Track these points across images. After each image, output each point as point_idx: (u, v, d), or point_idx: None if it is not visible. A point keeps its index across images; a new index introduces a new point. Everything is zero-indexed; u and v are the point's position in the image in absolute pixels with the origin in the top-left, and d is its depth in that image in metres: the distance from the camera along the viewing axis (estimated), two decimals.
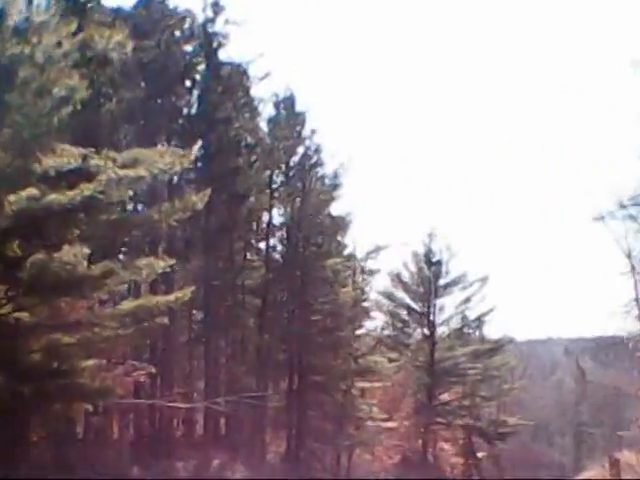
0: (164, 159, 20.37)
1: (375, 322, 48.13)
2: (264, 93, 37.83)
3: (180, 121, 33.74)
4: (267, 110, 38.55)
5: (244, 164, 34.28)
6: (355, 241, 42.19)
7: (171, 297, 22.40)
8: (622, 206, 37.62)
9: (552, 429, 70.32)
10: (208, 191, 22.54)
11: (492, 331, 53.76)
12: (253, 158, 35.90)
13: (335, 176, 40.83)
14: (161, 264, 21.13)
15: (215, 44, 34.33)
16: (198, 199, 22.18)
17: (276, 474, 34.70)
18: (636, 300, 41.11)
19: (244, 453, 33.55)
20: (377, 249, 42.20)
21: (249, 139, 35.85)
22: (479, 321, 53.17)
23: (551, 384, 74.11)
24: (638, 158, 37.15)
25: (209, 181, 28.11)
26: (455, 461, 50.82)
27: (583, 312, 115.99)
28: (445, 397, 51.16)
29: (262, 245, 38.95)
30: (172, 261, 22.29)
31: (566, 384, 79.00)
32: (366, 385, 41.63)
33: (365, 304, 43.32)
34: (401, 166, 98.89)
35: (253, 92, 36.78)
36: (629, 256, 40.15)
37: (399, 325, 51.34)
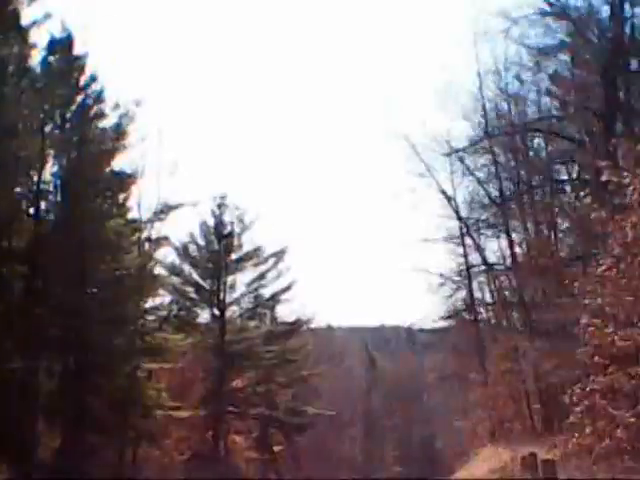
0: None
1: (163, 296, 43.85)
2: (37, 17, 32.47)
3: None
4: (40, 42, 33.62)
5: (10, 94, 29.23)
6: (142, 202, 37.93)
7: None
8: (451, 152, 35.97)
9: (343, 419, 68.69)
10: None
11: (289, 311, 50.78)
12: (20, 92, 30.89)
13: (118, 126, 36.49)
14: None
15: None
16: None
17: (48, 474, 30.02)
18: (466, 268, 39.44)
19: (11, 449, 28.54)
20: (166, 209, 37.90)
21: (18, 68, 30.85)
22: (274, 300, 50.27)
23: (341, 372, 72.58)
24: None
25: None
26: (249, 455, 47.59)
27: (368, 300, 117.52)
28: (238, 383, 47.82)
29: (31, 202, 33.80)
30: None
31: (356, 372, 78.34)
32: (154, 367, 37.47)
33: (154, 273, 38.97)
34: (198, 125, 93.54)
35: (24, 17, 31.77)
36: (457, 212, 38.37)
37: (187, 304, 47.29)
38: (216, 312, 47.52)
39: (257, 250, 48.37)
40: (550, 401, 29.47)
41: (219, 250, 47.61)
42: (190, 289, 47.56)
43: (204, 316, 48.13)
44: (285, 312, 51.03)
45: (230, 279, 47.91)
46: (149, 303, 39.44)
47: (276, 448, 50.07)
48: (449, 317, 39.28)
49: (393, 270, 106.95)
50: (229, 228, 47.88)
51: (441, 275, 36.89)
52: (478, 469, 26.98)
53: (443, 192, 35.87)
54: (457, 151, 34.59)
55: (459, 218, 36.50)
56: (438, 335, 78.85)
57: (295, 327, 50.30)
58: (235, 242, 47.98)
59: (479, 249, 36.08)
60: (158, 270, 41.16)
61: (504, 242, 35.09)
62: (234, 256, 47.99)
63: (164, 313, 41.93)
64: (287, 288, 49.32)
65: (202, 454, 42.74)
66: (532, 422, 32.25)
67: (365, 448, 72.88)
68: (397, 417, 76.90)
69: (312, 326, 54.56)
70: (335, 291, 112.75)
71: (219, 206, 47.76)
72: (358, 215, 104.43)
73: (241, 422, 47.72)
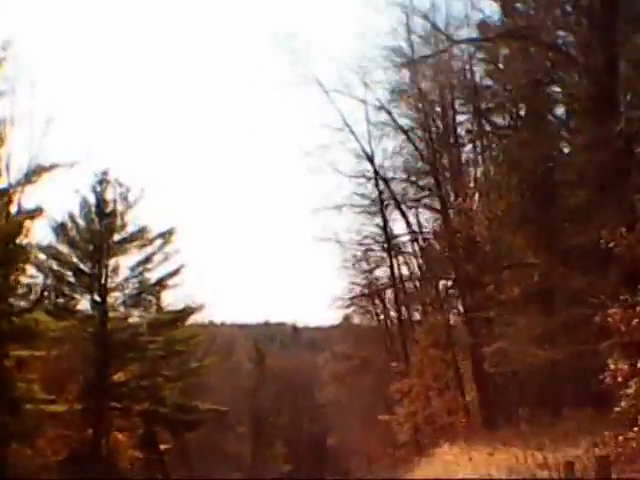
0: None
1: (36, 278, 38.00)
2: None
3: None
4: None
5: None
6: (11, 165, 32.04)
7: None
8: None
9: (232, 416, 63.47)
10: None
11: (177, 299, 45.37)
12: None
13: None
14: None
15: None
16: None
17: None
18: (386, 238, 34.59)
19: None
20: (38, 170, 31.90)
21: None
22: (161, 286, 44.69)
23: (229, 368, 67.31)
24: None
25: None
26: (134, 455, 41.92)
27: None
28: (121, 376, 42.04)
29: None
30: None
31: (244, 368, 73.47)
32: (24, 354, 31.67)
33: (25, 246, 32.95)
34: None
35: None
36: (376, 172, 33.16)
37: (65, 288, 41.38)
38: (97, 298, 41.72)
39: (142, 231, 42.86)
40: (490, 390, 25.29)
41: (100, 230, 41.86)
42: (68, 272, 41.65)
43: (84, 303, 42.32)
44: (172, 299, 45.63)
45: (112, 262, 42.17)
46: (20, 282, 33.46)
47: (163, 447, 44.80)
48: (364, 295, 34.65)
49: (284, 261, 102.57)
50: (111, 206, 42.21)
51: (360, 244, 32.04)
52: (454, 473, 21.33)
53: (362, 150, 30.97)
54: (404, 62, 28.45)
55: (380, 178, 31.64)
56: (325, 331, 74.43)
57: (183, 315, 45.08)
58: (118, 222, 42.30)
59: (404, 215, 31.15)
60: (31, 246, 34.96)
61: (426, 213, 30.37)
62: (117, 237, 42.33)
63: (37, 295, 36.10)
64: (175, 272, 44.04)
65: (81, 454, 37.07)
66: (468, 415, 27.71)
67: (254, 446, 68.06)
68: (286, 415, 72.31)
69: (197, 320, 49.43)
70: (217, 286, 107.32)
71: (100, 182, 42.15)
72: (248, 200, 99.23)
73: (124, 419, 41.97)
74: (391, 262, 32.40)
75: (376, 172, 31.66)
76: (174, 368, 44.82)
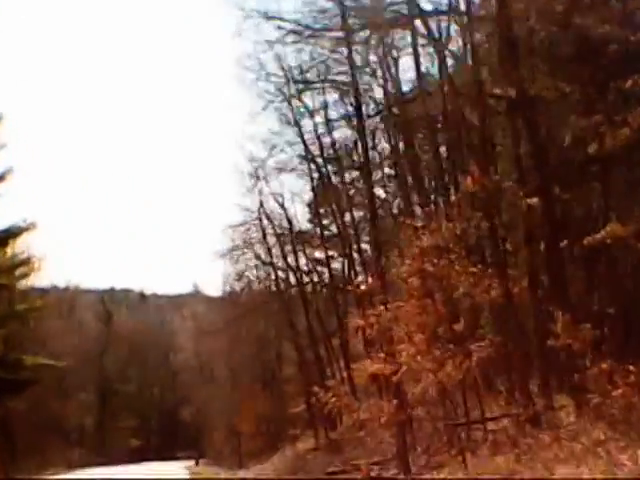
0: None
1: None
2: None
3: None
4: None
5: None
6: None
7: None
8: None
9: (72, 381, 50.73)
10: None
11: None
12: None
13: None
14: None
15: None
16: None
17: None
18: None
19: None
20: None
21: None
22: None
23: (70, 326, 54.34)
24: None
25: None
26: None
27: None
28: None
29: None
30: None
31: (88, 329, 60.52)
32: None
33: None
34: None
35: None
36: None
37: None
38: None
39: None
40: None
41: None
42: None
43: None
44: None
45: None
46: None
47: None
48: None
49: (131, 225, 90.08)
50: None
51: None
52: None
53: None
54: None
55: None
56: (174, 299, 66.53)
57: (8, 237, 32.48)
58: None
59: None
60: None
61: None
62: None
63: None
64: None
65: None
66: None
67: (99, 418, 55.82)
68: (136, 382, 60.36)
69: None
70: (58, 247, 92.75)
71: None
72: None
73: None
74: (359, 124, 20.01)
75: None
76: None
